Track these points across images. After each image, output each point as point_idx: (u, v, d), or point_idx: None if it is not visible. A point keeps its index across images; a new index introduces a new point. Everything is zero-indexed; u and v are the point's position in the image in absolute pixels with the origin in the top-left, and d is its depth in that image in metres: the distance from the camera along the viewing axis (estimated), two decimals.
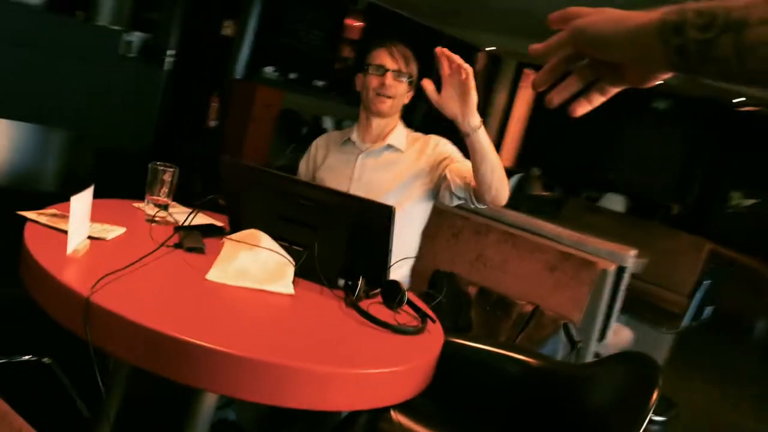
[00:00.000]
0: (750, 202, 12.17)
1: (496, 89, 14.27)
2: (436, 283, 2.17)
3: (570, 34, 0.69)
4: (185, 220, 1.61)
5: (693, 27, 0.59)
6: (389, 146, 2.11)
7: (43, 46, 6.09)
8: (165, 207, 1.69)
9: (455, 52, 1.75)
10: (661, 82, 0.74)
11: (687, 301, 4.51)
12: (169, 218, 1.71)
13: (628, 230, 4.88)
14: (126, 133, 7.21)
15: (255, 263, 1.45)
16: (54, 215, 1.54)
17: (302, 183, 1.72)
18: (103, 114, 6.92)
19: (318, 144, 2.27)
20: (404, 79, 2.08)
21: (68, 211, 1.57)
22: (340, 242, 1.52)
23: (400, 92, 2.09)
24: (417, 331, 1.40)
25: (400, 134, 2.14)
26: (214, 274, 1.39)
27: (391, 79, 2.06)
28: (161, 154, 2.12)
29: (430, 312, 1.53)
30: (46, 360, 2.33)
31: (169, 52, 7.98)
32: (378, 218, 1.50)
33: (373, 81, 2.08)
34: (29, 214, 1.49)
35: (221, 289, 1.37)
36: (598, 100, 0.76)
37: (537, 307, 2.06)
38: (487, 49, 13.23)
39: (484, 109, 14.34)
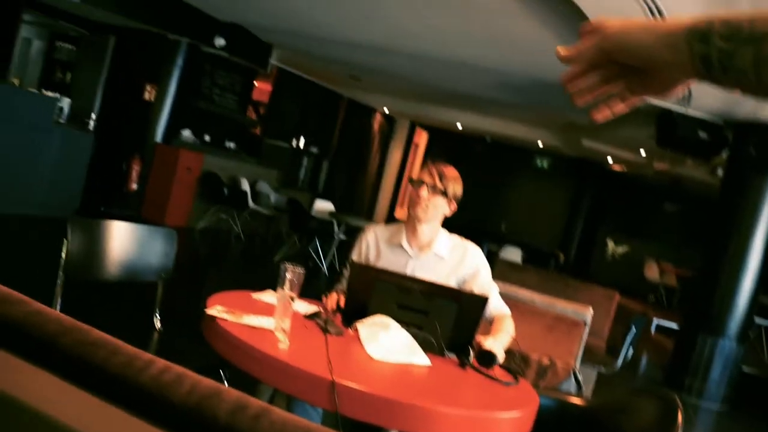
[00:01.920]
0: (623, 249, 13.74)
1: (391, 147, 15.14)
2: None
3: (600, 38, 0.69)
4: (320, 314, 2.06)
5: (718, 36, 0.59)
6: (434, 254, 2.48)
7: None
8: (292, 300, 2.13)
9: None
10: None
11: (605, 344, 5.34)
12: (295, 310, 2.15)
13: (551, 285, 5.65)
14: (54, 199, 7.22)
15: (395, 343, 1.94)
16: (227, 312, 1.95)
17: (413, 279, 2.20)
18: (35, 180, 6.94)
19: (368, 240, 2.60)
20: (438, 192, 2.43)
21: (228, 306, 1.99)
22: (449, 322, 2.04)
23: (434, 203, 2.44)
24: (516, 384, 1.94)
25: (442, 242, 2.51)
26: (375, 354, 1.86)
27: (426, 192, 2.43)
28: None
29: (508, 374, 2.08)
30: None
31: (92, 116, 8.08)
32: (475, 304, 2.04)
33: (413, 193, 2.49)
34: (214, 313, 1.90)
35: (381, 363, 1.85)
36: (619, 108, 0.75)
37: (551, 360, 2.65)
38: (383, 110, 14.11)
39: (381, 165, 15.19)
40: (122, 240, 2.42)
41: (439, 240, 2.52)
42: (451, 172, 2.50)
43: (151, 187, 8.76)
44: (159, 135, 8.86)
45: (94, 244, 2.36)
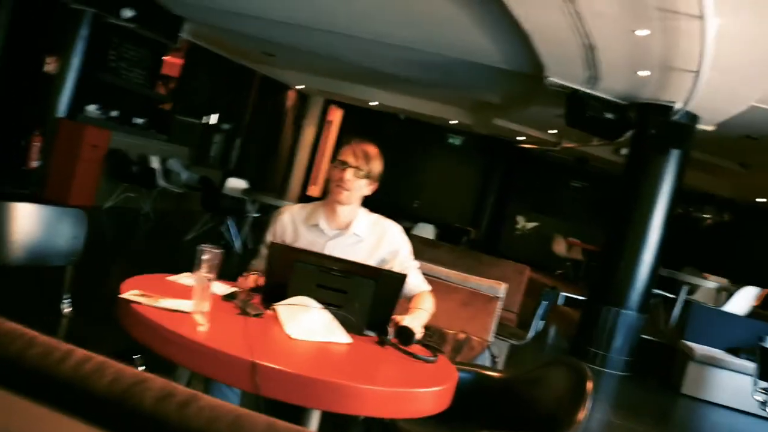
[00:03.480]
0: (532, 225, 14.22)
1: (305, 124, 15.00)
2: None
3: None
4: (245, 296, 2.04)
5: None
6: (353, 234, 2.43)
7: None
8: (210, 281, 2.10)
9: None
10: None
11: (517, 317, 5.54)
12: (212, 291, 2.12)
13: (464, 261, 5.79)
14: None
15: (314, 322, 1.94)
16: (143, 295, 1.89)
17: (332, 258, 2.19)
18: None
19: (284, 221, 2.52)
20: (362, 175, 2.39)
21: (143, 290, 1.94)
22: (367, 300, 2.06)
23: (357, 186, 2.39)
24: (435, 360, 1.99)
25: (361, 222, 2.47)
26: (295, 333, 1.86)
27: (350, 175, 2.36)
28: None
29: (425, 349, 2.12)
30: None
31: None
32: (393, 282, 2.07)
33: (336, 174, 2.41)
34: (129, 297, 1.85)
35: (301, 342, 1.86)
36: None
37: (467, 335, 2.73)
38: (296, 87, 13.93)
39: (294, 142, 15.03)
40: (27, 222, 2.31)
41: (358, 220, 2.48)
42: (373, 150, 2.45)
43: (54, 165, 8.34)
44: (62, 110, 8.42)
45: None
